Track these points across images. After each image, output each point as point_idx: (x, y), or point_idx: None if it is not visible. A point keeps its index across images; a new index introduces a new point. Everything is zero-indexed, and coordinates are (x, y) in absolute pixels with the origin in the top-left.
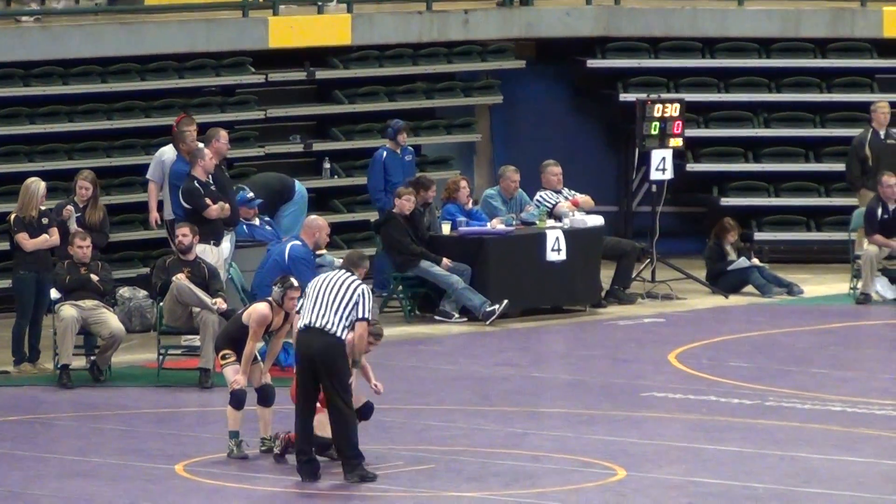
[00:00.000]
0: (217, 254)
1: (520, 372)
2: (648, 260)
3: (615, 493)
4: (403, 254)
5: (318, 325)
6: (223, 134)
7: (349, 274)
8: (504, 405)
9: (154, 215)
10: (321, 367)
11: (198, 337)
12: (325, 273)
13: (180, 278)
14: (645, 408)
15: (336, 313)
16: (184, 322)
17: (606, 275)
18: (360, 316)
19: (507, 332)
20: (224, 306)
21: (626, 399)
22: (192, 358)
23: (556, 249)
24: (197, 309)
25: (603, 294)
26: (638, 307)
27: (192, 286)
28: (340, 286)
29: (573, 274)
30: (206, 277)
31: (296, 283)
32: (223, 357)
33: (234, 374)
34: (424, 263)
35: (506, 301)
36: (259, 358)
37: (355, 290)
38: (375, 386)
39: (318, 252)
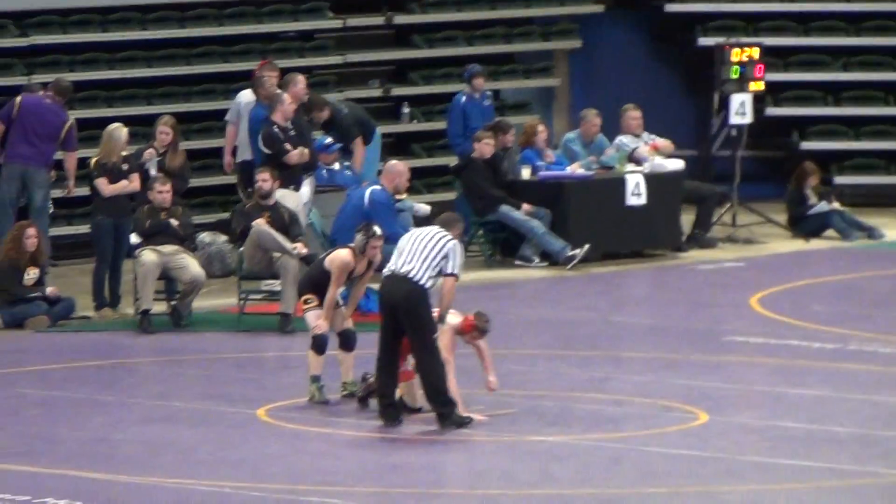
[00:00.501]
0: (297, 199)
1: (601, 316)
2: (729, 204)
3: (697, 437)
4: (483, 198)
5: (402, 271)
6: (301, 79)
7: (443, 231)
8: (585, 350)
9: (228, 159)
10: (403, 314)
11: (278, 282)
12: (418, 229)
13: (260, 223)
14: (726, 352)
15: (423, 262)
16: (264, 267)
17: (687, 219)
18: (449, 270)
19: (587, 277)
20: (304, 251)
21: (707, 343)
22: (272, 303)
23: (636, 194)
24: (277, 254)
25: (683, 238)
26: (719, 251)
27: (273, 231)
28: (431, 238)
29: (653, 218)
30: (286, 222)
31: (379, 232)
32: (305, 301)
33: (316, 319)
34: (504, 208)
35: (587, 245)
36: (341, 303)
37: (446, 244)
38: (490, 382)
39: (398, 197)
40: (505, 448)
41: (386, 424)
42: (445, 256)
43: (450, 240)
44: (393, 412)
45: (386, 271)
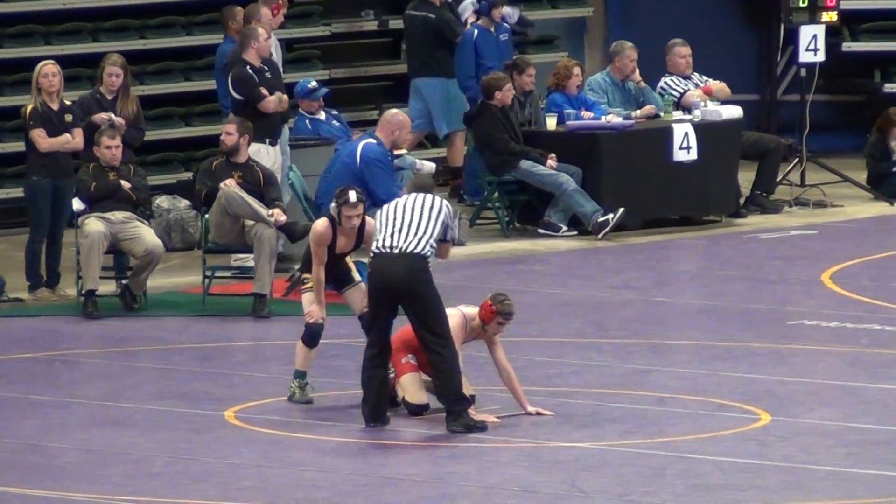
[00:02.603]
0: (274, 155)
1: (641, 296)
2: (797, 159)
3: (758, 442)
4: (501, 153)
5: (398, 247)
6: (267, 12)
7: (431, 194)
8: (622, 336)
9: None
10: (407, 297)
11: (251, 256)
12: (399, 199)
13: (230, 185)
14: (793, 339)
15: (422, 233)
16: (234, 238)
17: (746, 178)
18: (448, 237)
19: (625, 249)
20: (283, 218)
21: (770, 328)
22: (244, 281)
23: (684, 147)
24: (250, 222)
25: (742, 201)
26: (784, 217)
27: (244, 194)
28: (422, 205)
29: (705, 177)
30: (260, 183)
31: (353, 198)
32: (302, 281)
33: (311, 304)
34: (526, 163)
35: (622, 210)
36: (358, 279)
37: (441, 208)
38: (531, 411)
39: (397, 152)
40: (524, 456)
41: (371, 424)
42: (444, 224)
43: (442, 201)
44: (380, 411)
45: (374, 250)
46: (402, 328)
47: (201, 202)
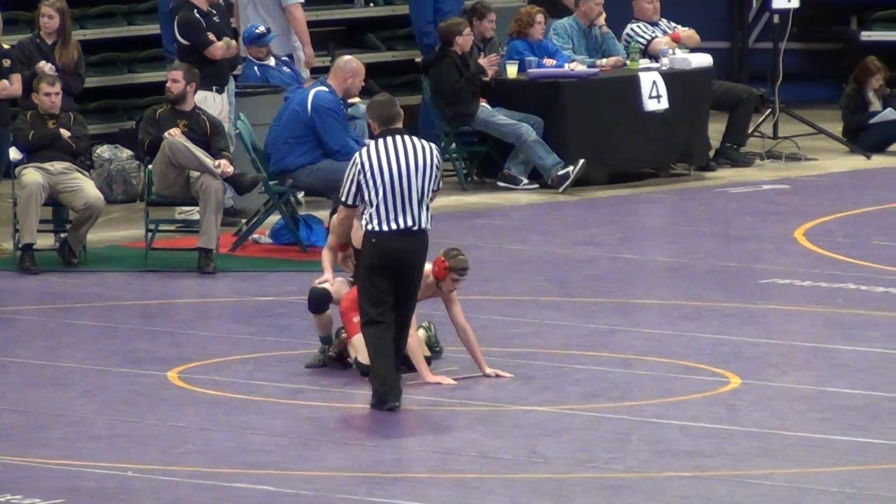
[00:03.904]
0: (221, 103)
1: (606, 253)
2: (769, 110)
3: (727, 407)
4: (459, 102)
5: (411, 225)
6: None
7: (423, 141)
8: (586, 295)
9: None
10: (409, 272)
11: (196, 209)
12: (379, 143)
13: (174, 134)
14: (765, 298)
15: (424, 201)
16: (179, 190)
17: (716, 129)
18: (437, 186)
19: (589, 203)
20: (230, 170)
21: (740, 287)
22: (189, 236)
23: (653, 97)
24: (195, 173)
25: (712, 154)
26: (756, 170)
27: (190, 144)
28: (416, 159)
29: (674, 128)
30: (207, 133)
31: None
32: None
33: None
34: (485, 112)
35: (581, 161)
36: None
37: (434, 156)
38: (489, 373)
39: (351, 101)
40: (482, 420)
41: (387, 407)
42: (437, 182)
43: (433, 147)
44: (398, 390)
45: (378, 226)
46: (354, 287)
47: (144, 152)
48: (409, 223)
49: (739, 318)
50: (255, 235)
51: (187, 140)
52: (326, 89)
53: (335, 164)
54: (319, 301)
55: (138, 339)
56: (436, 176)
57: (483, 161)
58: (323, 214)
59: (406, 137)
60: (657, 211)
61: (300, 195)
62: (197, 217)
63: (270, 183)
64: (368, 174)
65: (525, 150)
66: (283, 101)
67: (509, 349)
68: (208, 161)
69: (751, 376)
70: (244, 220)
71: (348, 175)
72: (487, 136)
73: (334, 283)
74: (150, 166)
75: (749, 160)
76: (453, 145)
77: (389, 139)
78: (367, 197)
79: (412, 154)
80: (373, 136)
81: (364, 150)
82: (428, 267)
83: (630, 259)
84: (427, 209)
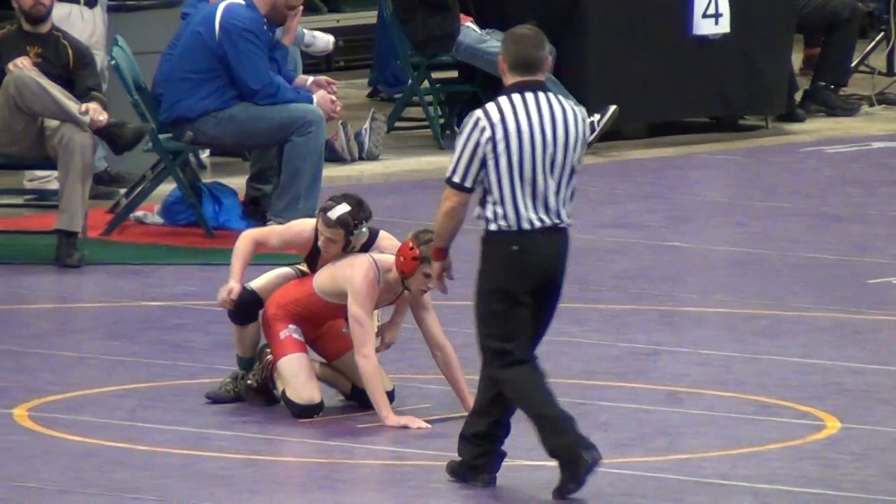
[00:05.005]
0: (92, 22)
1: (645, 239)
2: (882, 34)
3: (821, 461)
4: (429, 23)
5: (552, 219)
6: None
7: (564, 99)
8: (616, 300)
9: None
10: (554, 292)
11: (54, 174)
12: (515, 100)
13: (23, 65)
14: (874, 306)
15: (570, 186)
16: (29, 146)
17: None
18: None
19: (622, 167)
20: (102, 117)
21: (839, 290)
22: (44, 212)
23: (709, 15)
24: (53, 122)
25: (798, 97)
26: (862, 121)
27: (45, 80)
28: (575, 133)
29: (740, 60)
30: (69, 65)
31: (334, 214)
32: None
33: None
34: (470, 36)
35: (612, 108)
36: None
37: (583, 124)
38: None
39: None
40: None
41: (479, 481)
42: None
43: (583, 112)
44: (496, 459)
45: (532, 220)
46: (283, 286)
47: None
48: (553, 218)
49: (837, 333)
50: (140, 213)
51: (41, 74)
52: (242, 3)
53: (253, 111)
54: (246, 306)
55: None
56: (581, 154)
57: (468, 106)
58: (236, 183)
59: (549, 96)
60: (717, 179)
61: (203, 155)
62: (55, 186)
63: (161, 137)
64: (501, 145)
65: None
66: (180, 21)
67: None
68: (71, 105)
69: (854, 418)
70: (123, 191)
71: (465, 143)
72: (474, 71)
73: (237, 292)
74: None
75: (852, 106)
76: (425, 83)
77: (530, 95)
78: (492, 179)
79: (560, 119)
80: (493, 89)
81: (491, 108)
82: (390, 258)
83: (679, 248)
84: (572, 198)
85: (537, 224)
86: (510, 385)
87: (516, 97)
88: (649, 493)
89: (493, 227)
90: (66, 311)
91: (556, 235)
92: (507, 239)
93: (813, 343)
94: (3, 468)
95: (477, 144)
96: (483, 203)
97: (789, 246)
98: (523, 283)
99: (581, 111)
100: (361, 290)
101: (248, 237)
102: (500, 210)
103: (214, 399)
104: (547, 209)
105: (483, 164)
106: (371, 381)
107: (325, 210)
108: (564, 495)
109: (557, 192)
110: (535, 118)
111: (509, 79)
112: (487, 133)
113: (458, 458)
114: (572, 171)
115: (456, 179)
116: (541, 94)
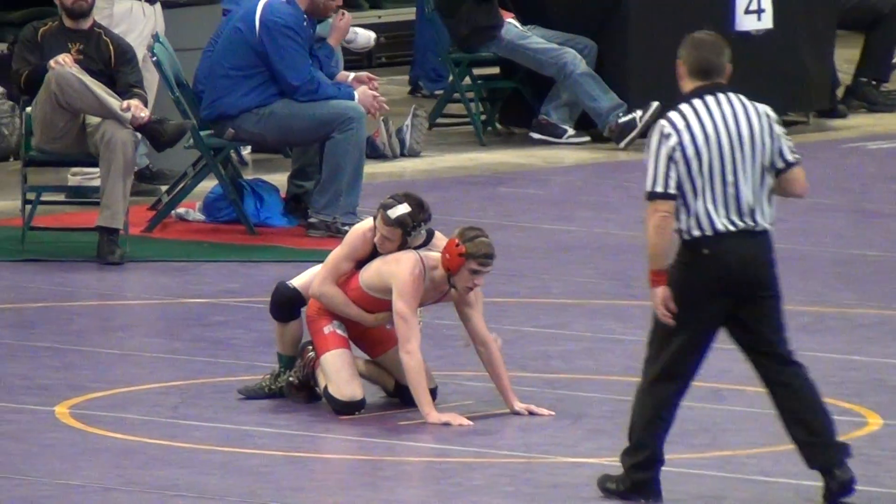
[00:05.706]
0: (153, 17)
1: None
2: None
3: (863, 458)
4: (474, 17)
5: (748, 222)
6: None
7: (739, 98)
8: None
9: None
10: (763, 294)
11: (96, 171)
12: (698, 106)
13: (65, 62)
14: None
15: (765, 188)
16: (70, 143)
17: (846, 58)
18: (790, 159)
19: None
20: (144, 114)
21: (882, 286)
22: (85, 209)
23: (752, 11)
24: (95, 119)
25: (840, 93)
26: None
27: (86, 77)
28: (762, 131)
29: (782, 55)
30: (111, 61)
31: (393, 214)
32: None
33: None
34: (513, 32)
35: (655, 104)
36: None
37: (776, 132)
38: (519, 409)
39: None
40: (509, 477)
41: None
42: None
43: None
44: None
45: (726, 223)
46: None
47: (21, 89)
48: (748, 221)
49: (880, 330)
50: (181, 210)
51: (82, 71)
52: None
53: (294, 107)
54: (287, 304)
55: (11, 359)
56: (775, 150)
57: (509, 103)
58: (278, 180)
59: (732, 96)
60: None
61: (245, 151)
62: (97, 183)
63: (203, 134)
64: (691, 150)
65: (570, 88)
66: (221, 17)
67: (548, 375)
68: (113, 102)
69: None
70: (164, 188)
71: (656, 152)
72: (516, 66)
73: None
74: (28, 109)
75: (894, 102)
76: (466, 80)
77: (710, 99)
78: (684, 186)
79: (743, 117)
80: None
81: (674, 115)
82: (436, 255)
83: None
84: (772, 199)
85: (731, 228)
86: (639, 399)
87: (697, 102)
88: (692, 490)
89: (686, 236)
90: (108, 308)
91: (751, 240)
92: (700, 244)
93: (855, 340)
94: (45, 466)
95: (669, 150)
96: (676, 214)
97: (831, 242)
98: (716, 292)
99: (763, 108)
100: (407, 286)
101: (332, 288)
102: (692, 217)
103: (247, 395)
104: (740, 212)
105: (677, 169)
106: (414, 378)
107: (386, 207)
108: None
109: (751, 194)
110: (718, 119)
111: (688, 84)
112: (674, 139)
113: None
114: (763, 171)
115: (658, 189)
116: (720, 95)
